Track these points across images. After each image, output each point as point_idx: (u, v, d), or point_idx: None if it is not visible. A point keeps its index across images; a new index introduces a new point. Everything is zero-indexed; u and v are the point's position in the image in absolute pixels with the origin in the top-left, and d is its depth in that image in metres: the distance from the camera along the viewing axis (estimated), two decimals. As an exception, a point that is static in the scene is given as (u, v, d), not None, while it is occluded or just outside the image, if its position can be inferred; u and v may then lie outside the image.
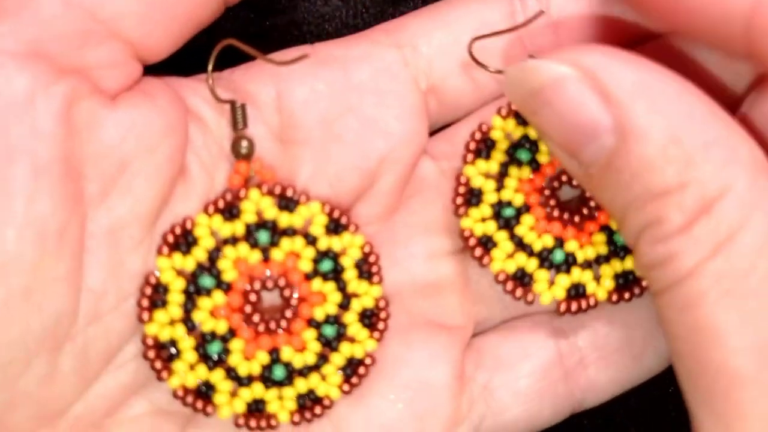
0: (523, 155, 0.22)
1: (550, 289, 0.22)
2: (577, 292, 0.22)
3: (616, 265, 0.22)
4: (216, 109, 0.21)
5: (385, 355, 0.22)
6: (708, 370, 0.17)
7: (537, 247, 0.22)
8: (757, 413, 0.17)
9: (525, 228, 0.22)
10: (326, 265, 0.21)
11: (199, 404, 0.20)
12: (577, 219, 0.22)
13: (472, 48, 0.21)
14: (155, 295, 0.20)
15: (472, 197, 0.22)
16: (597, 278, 0.22)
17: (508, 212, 0.22)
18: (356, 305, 0.22)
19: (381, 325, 0.22)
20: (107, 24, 0.19)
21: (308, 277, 0.21)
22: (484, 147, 0.22)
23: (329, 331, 0.21)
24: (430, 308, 0.23)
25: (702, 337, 0.17)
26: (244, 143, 0.21)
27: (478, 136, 0.22)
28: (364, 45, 0.22)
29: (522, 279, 0.22)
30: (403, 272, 0.23)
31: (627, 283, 0.22)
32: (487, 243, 0.22)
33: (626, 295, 0.22)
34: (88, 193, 0.19)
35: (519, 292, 0.22)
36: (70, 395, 0.20)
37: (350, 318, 0.22)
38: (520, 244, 0.22)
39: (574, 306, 0.22)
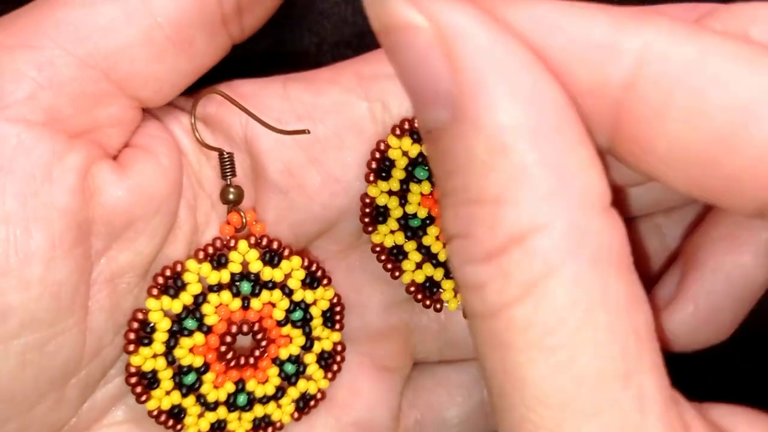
0: (421, 173, 0.23)
1: (455, 296, 0.24)
2: None
3: None
4: (193, 141, 0.22)
5: (335, 395, 0.25)
6: (513, 414, 0.16)
7: (443, 257, 0.24)
8: None
9: (431, 238, 0.24)
10: (297, 315, 0.24)
11: (171, 423, 0.23)
12: None
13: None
14: (142, 332, 0.22)
15: (378, 215, 0.24)
16: None
17: (415, 222, 0.24)
18: (316, 347, 0.24)
19: (335, 367, 0.25)
20: (119, 83, 0.20)
21: (279, 324, 0.24)
22: (383, 165, 0.23)
23: (290, 368, 0.24)
24: (377, 351, 0.26)
25: (507, 381, 0.16)
26: (233, 190, 0.23)
27: (377, 155, 0.23)
28: (334, 93, 0.23)
29: (430, 288, 0.24)
30: (358, 318, 0.25)
31: None
32: (398, 254, 0.24)
33: None
34: (95, 248, 0.20)
35: (428, 301, 0.24)
36: (71, 413, 0.22)
37: (310, 359, 0.24)
38: (428, 254, 0.24)
39: None
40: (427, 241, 0.24)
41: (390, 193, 0.23)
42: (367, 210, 0.23)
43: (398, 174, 0.23)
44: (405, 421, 0.26)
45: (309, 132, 0.22)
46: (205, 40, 0.21)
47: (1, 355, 0.19)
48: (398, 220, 0.23)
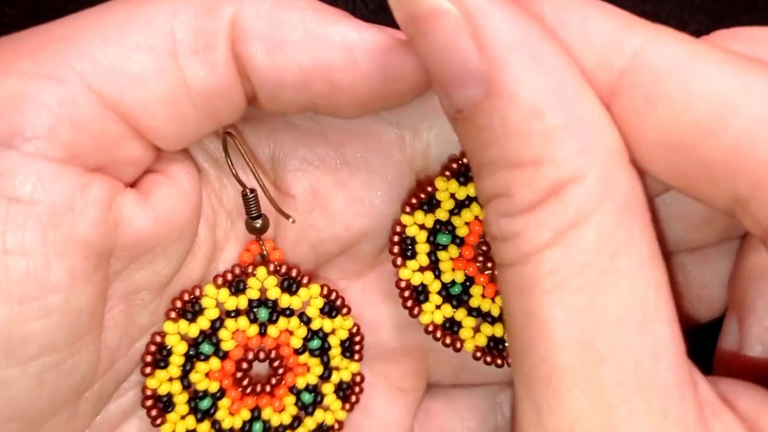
0: (444, 239, 0.23)
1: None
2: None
3: None
4: (213, 163, 0.23)
5: (347, 417, 0.25)
6: (532, 356, 0.17)
7: (495, 312, 0.24)
8: (570, 406, 0.17)
9: (477, 299, 0.24)
10: (315, 343, 0.24)
11: (185, 447, 0.23)
12: None
13: None
14: (158, 355, 0.22)
15: (420, 294, 0.24)
16: None
17: (456, 290, 0.24)
18: (334, 377, 0.24)
19: (353, 398, 0.24)
20: (138, 131, 0.20)
21: (297, 352, 0.24)
22: (406, 246, 0.23)
23: (307, 398, 0.24)
24: (391, 372, 0.25)
25: (529, 323, 0.17)
26: (258, 224, 0.23)
27: (396, 238, 0.23)
28: (365, 118, 0.23)
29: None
30: (372, 338, 0.25)
31: None
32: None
33: None
34: (113, 269, 0.20)
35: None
36: (84, 426, 0.22)
37: (328, 389, 0.24)
38: (479, 313, 0.24)
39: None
40: (474, 303, 0.24)
41: (422, 270, 0.23)
42: (407, 294, 0.23)
43: (423, 248, 0.23)
44: None
45: (294, 221, 0.23)
46: (228, 109, 0.20)
47: (19, 376, 0.19)
48: (438, 292, 0.24)
